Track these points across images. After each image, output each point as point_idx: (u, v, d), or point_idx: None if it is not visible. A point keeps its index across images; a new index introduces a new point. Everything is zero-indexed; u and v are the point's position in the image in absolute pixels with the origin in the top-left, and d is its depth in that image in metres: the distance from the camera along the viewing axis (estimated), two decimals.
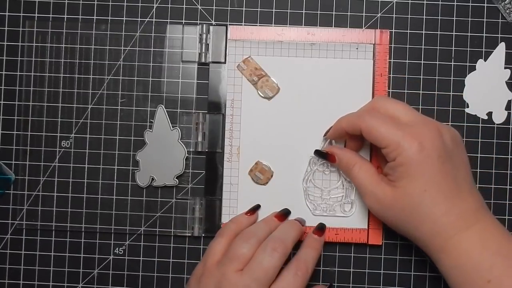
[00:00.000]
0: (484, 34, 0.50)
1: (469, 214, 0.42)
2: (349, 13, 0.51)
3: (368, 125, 0.44)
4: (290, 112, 0.50)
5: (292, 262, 0.44)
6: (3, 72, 0.51)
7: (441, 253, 0.42)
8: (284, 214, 0.48)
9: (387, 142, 0.43)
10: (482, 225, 0.42)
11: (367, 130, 0.44)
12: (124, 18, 0.51)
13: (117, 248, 0.51)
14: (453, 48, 0.50)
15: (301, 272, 0.43)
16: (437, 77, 0.50)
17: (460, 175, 0.43)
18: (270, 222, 0.47)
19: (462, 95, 0.50)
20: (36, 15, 0.51)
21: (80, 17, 0.51)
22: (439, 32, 0.50)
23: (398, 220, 0.44)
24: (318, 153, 0.49)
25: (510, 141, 0.50)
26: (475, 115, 0.50)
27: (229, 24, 0.51)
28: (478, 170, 0.50)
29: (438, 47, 0.50)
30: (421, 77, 0.50)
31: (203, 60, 0.50)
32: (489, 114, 0.50)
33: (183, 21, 0.51)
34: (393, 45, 0.50)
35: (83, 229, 0.51)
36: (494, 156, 0.50)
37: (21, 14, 0.51)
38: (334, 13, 0.51)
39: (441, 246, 0.42)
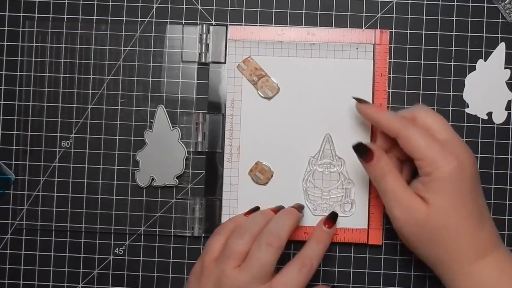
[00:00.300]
0: (484, 34, 0.50)
1: (488, 242, 0.43)
2: (349, 13, 0.51)
3: (407, 134, 0.43)
4: (290, 112, 0.50)
5: (297, 257, 0.44)
6: (3, 72, 0.51)
7: (456, 280, 0.42)
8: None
9: (423, 155, 0.42)
10: (498, 254, 0.43)
11: (406, 139, 0.43)
12: (124, 18, 0.51)
13: (117, 248, 0.51)
14: (453, 48, 0.50)
15: (306, 269, 0.43)
16: (437, 77, 0.50)
17: (482, 201, 0.44)
18: (267, 214, 0.46)
19: (462, 95, 0.50)
20: (36, 15, 0.51)
21: (80, 17, 0.51)
22: (439, 32, 0.50)
23: (422, 238, 0.43)
24: (358, 147, 0.45)
25: (510, 141, 0.50)
26: (475, 115, 0.50)
27: (229, 24, 0.51)
28: (478, 170, 0.50)
29: (438, 47, 0.50)
30: (421, 77, 0.50)
31: (203, 60, 0.50)
32: (489, 114, 0.50)
33: (183, 21, 0.51)
34: (393, 45, 0.50)
35: (83, 229, 0.51)
36: (494, 156, 0.50)
37: (21, 14, 0.51)
38: (334, 13, 0.51)
39: (458, 272, 0.42)
